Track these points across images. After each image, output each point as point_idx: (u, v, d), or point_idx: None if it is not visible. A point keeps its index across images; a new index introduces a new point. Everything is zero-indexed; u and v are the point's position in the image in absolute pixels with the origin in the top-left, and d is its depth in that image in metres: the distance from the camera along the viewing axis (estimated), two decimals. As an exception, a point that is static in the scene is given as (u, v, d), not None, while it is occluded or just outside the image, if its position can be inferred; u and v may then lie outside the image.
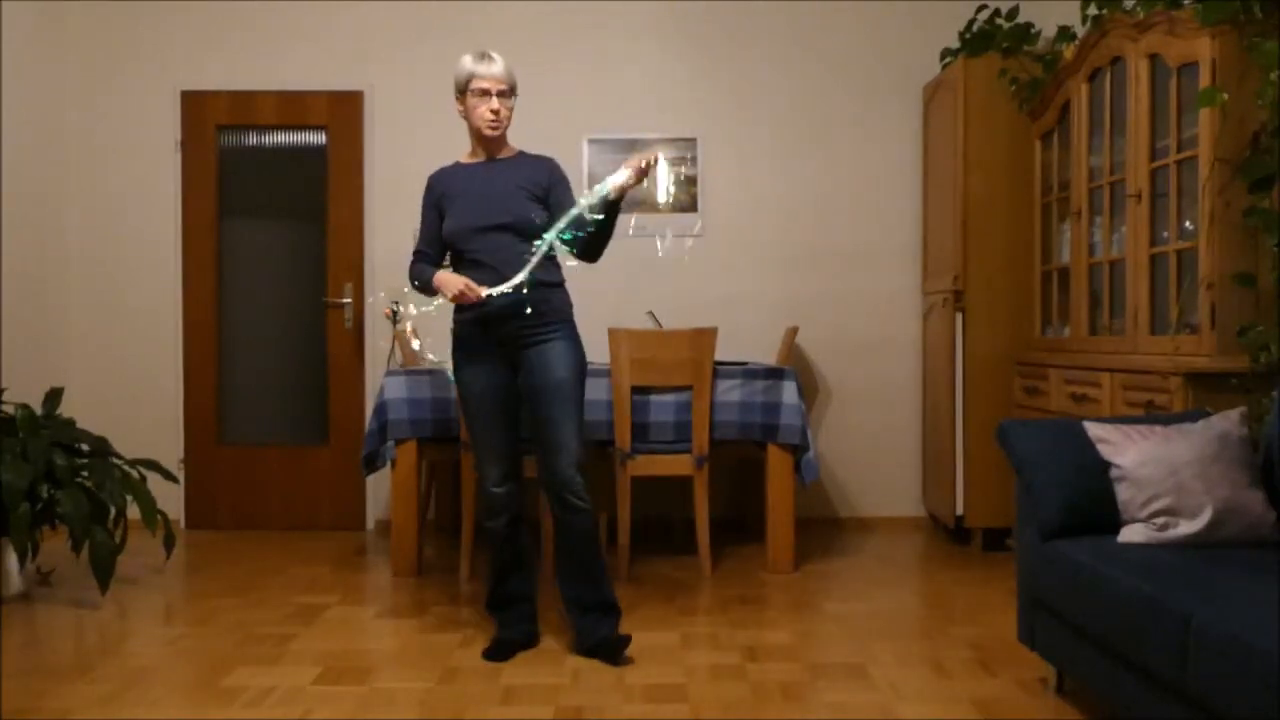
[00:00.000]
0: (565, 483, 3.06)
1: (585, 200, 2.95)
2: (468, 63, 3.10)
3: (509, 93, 3.13)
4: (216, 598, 3.86)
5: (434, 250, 3.22)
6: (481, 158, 3.20)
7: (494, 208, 3.08)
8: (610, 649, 3.08)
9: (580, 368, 3.17)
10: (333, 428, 5.21)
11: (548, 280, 3.10)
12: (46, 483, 3.71)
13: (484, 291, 2.99)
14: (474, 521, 4.06)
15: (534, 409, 3.12)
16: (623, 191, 2.94)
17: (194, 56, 5.21)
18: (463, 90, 3.11)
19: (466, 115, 3.15)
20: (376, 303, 5.03)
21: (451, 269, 3.17)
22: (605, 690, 2.85)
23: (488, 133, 3.13)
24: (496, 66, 3.09)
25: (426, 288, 3.13)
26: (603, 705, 2.74)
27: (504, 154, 3.21)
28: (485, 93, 3.09)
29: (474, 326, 3.12)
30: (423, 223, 3.24)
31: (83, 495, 3.72)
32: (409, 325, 3.09)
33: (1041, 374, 4.18)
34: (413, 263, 3.24)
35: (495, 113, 3.10)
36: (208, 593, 3.95)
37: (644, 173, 2.92)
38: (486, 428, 3.16)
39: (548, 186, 3.16)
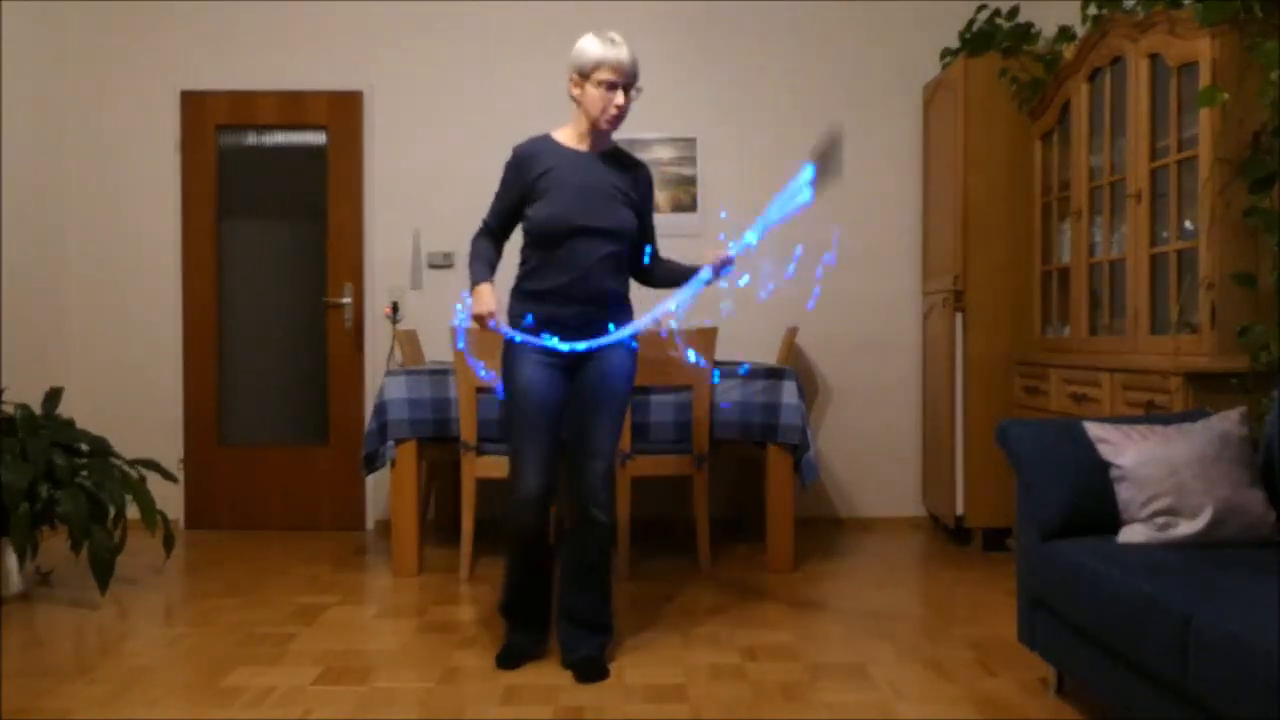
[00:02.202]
0: (592, 492, 2.97)
1: (680, 296, 3.01)
2: (594, 47, 2.91)
3: (632, 85, 2.95)
4: (216, 598, 3.86)
5: (500, 226, 3.07)
6: (584, 146, 3.03)
7: (592, 209, 2.95)
8: (585, 669, 2.95)
9: (633, 379, 3.09)
10: (333, 428, 5.21)
11: (619, 290, 3.04)
12: (46, 483, 3.71)
13: (503, 329, 2.92)
14: (474, 521, 4.07)
15: (579, 413, 3.01)
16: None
17: (194, 56, 5.21)
18: (585, 75, 2.93)
19: (581, 101, 2.97)
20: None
21: (526, 254, 3.03)
22: (605, 690, 2.85)
23: (605, 127, 2.98)
24: (624, 53, 2.91)
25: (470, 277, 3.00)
26: (603, 705, 2.74)
27: (606, 147, 3.06)
28: (612, 85, 2.91)
29: (539, 326, 2.97)
30: (499, 197, 3.06)
31: (82, 495, 3.72)
32: None
33: (1041, 374, 4.18)
34: (476, 235, 3.08)
35: (620, 108, 2.95)
36: (208, 593, 3.95)
37: (719, 269, 3.06)
38: (537, 433, 2.97)
39: (641, 199, 3.08)
